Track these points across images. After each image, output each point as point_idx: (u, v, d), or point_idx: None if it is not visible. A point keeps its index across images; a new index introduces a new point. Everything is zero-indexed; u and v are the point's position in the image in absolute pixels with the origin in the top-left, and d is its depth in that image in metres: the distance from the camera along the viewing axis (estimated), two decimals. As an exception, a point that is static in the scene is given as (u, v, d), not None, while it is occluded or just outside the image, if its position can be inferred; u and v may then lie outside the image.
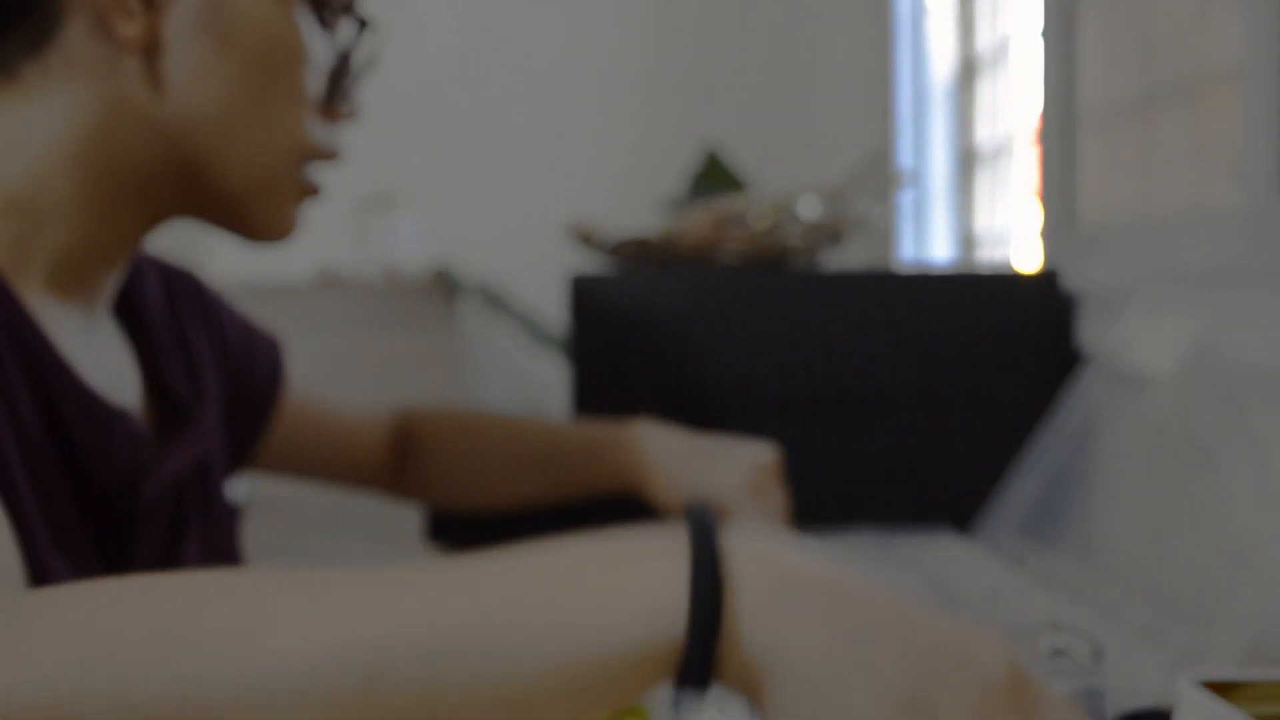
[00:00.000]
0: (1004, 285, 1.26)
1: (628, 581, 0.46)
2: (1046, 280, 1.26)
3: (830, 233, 1.32)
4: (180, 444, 0.79)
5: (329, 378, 1.07)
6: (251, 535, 0.97)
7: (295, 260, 1.92)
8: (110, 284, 0.76)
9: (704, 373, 1.23)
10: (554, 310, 2.06)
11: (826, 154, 2.71)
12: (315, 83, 0.77)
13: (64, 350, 0.70)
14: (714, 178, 1.88)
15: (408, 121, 2.75)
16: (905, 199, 2.42)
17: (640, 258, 1.30)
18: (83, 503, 0.70)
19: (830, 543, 1.09)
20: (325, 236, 1.83)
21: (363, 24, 0.79)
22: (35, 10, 0.68)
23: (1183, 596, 0.78)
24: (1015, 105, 2.06)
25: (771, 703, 0.45)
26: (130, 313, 0.82)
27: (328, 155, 0.79)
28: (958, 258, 2.34)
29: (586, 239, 1.31)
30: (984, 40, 2.24)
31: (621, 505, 1.10)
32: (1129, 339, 1.02)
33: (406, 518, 1.48)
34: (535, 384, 2.56)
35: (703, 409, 1.22)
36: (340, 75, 0.79)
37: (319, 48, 0.77)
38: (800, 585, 0.47)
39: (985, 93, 2.25)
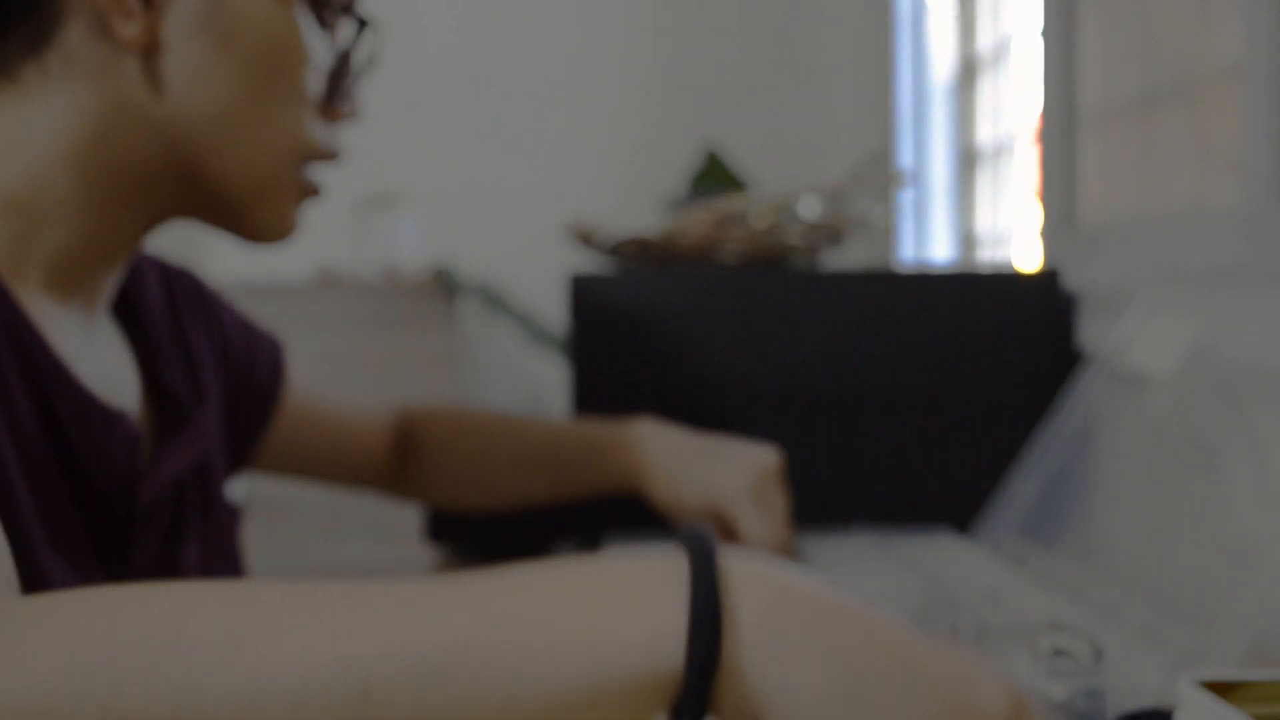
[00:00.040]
0: (1004, 285, 1.26)
1: (626, 608, 0.45)
2: (1047, 280, 1.26)
3: (830, 233, 1.32)
4: (179, 444, 0.79)
5: (329, 378, 1.07)
6: (251, 535, 0.97)
7: (295, 260, 1.92)
8: (109, 284, 0.76)
9: (704, 373, 1.23)
10: (554, 310, 2.06)
11: (826, 154, 2.71)
12: (315, 83, 0.77)
13: (62, 351, 0.70)
14: (714, 178, 1.88)
15: (408, 121, 2.75)
16: (905, 199, 2.42)
17: (640, 257, 1.30)
18: (81, 504, 0.70)
19: (831, 543, 1.09)
20: (325, 236, 1.83)
21: (362, 24, 0.79)
22: (35, 11, 0.68)
23: (1183, 596, 0.78)
24: (1015, 105, 2.06)
25: None
26: (130, 313, 0.82)
27: (328, 155, 0.79)
28: (958, 258, 2.34)
29: (586, 239, 1.31)
30: (984, 40, 2.24)
31: (622, 505, 1.10)
32: (1129, 339, 1.02)
33: (406, 518, 1.48)
34: (535, 384, 2.56)
35: (702, 409, 1.22)
36: (340, 75, 0.79)
37: (319, 48, 0.77)
38: (801, 618, 0.46)
39: (985, 92, 2.25)
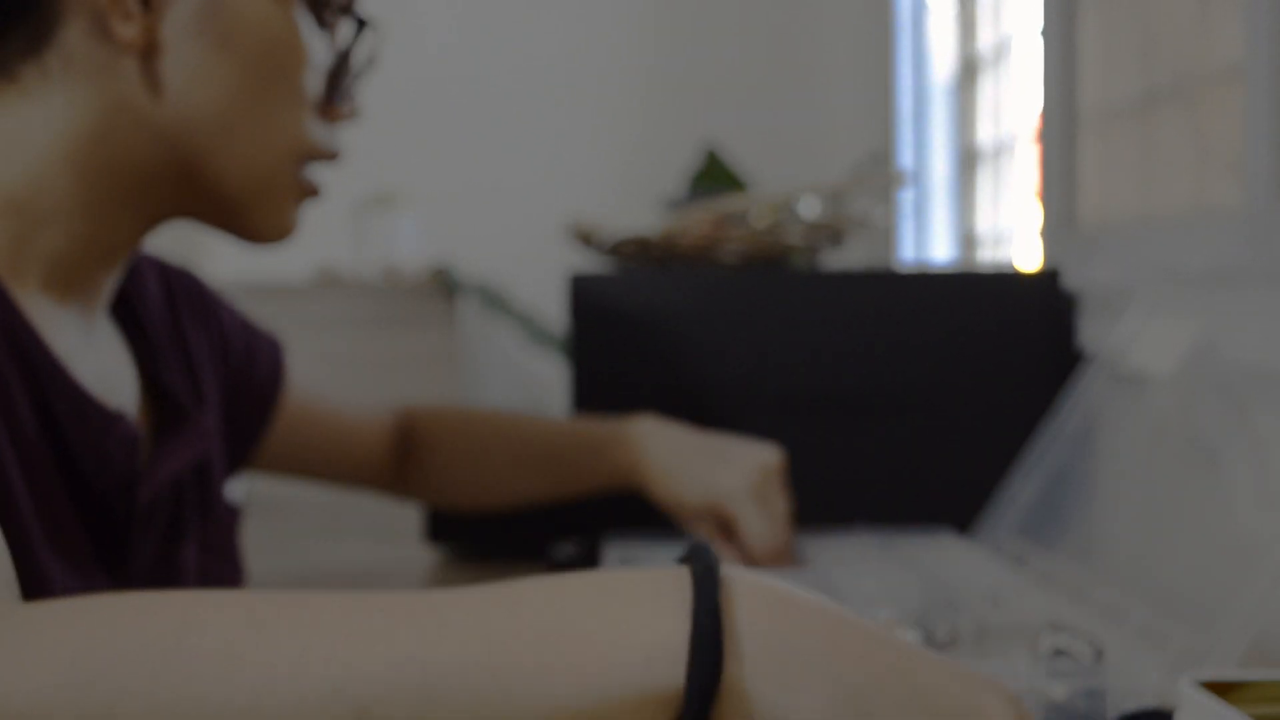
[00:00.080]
0: (1004, 285, 1.26)
1: (626, 627, 0.45)
2: (1047, 280, 1.26)
3: (830, 233, 1.32)
4: (178, 445, 0.79)
5: (329, 378, 1.07)
6: (251, 535, 0.97)
7: (295, 260, 1.92)
8: (108, 285, 0.76)
9: (704, 372, 1.23)
10: (553, 310, 2.06)
11: (826, 154, 2.71)
12: (315, 83, 0.77)
13: (60, 352, 0.70)
14: (714, 177, 1.87)
15: (408, 121, 2.75)
16: (905, 199, 2.42)
17: (640, 257, 1.30)
18: (80, 505, 0.70)
19: (831, 543, 1.09)
20: (325, 236, 1.83)
21: (362, 24, 0.79)
22: (34, 12, 0.68)
23: (1183, 597, 0.78)
24: (1015, 105, 2.06)
25: None
26: (129, 313, 0.81)
27: (327, 155, 0.79)
28: (958, 257, 2.34)
29: (586, 238, 1.31)
30: (984, 40, 2.24)
31: (622, 504, 1.10)
32: (1129, 339, 1.02)
33: (406, 518, 1.48)
34: (535, 383, 2.56)
35: (702, 409, 1.22)
36: (340, 75, 0.79)
37: (318, 48, 0.77)
38: (803, 637, 0.46)
39: (985, 92, 2.25)
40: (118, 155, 0.71)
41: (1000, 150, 2.15)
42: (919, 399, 1.23)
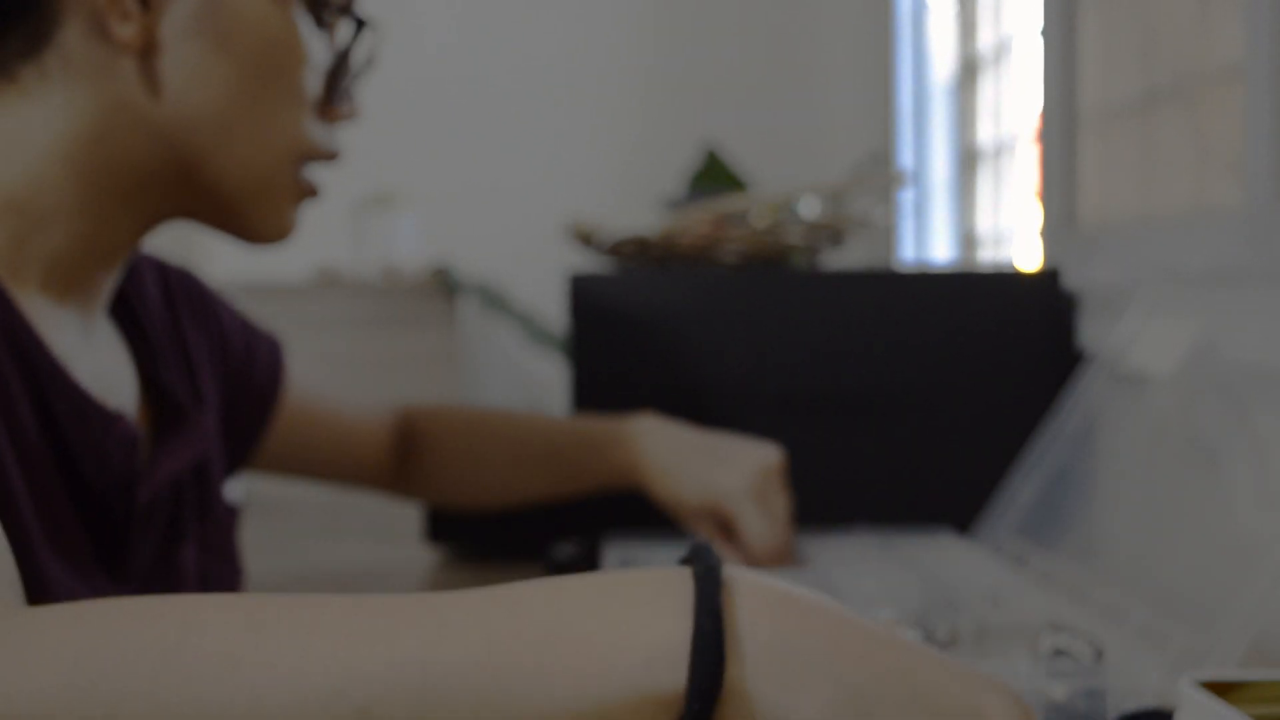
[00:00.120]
0: (1005, 285, 1.26)
1: (628, 628, 0.45)
2: (1047, 280, 1.26)
3: (830, 233, 1.32)
4: (178, 445, 0.79)
5: (329, 378, 1.07)
6: (251, 535, 0.97)
7: (294, 260, 1.92)
8: (107, 285, 0.76)
9: (704, 372, 1.23)
10: (553, 310, 2.06)
11: (826, 154, 2.71)
12: (314, 83, 0.77)
13: (59, 352, 0.70)
14: (714, 177, 1.87)
15: (407, 121, 2.75)
16: (905, 199, 2.42)
17: (640, 257, 1.30)
18: (79, 505, 0.70)
19: (831, 543, 1.09)
20: (324, 236, 1.83)
21: (361, 24, 0.79)
22: (32, 12, 0.68)
23: (1183, 597, 0.78)
24: (1015, 105, 2.06)
25: None
26: (127, 313, 0.81)
27: (327, 155, 0.79)
28: (958, 257, 2.34)
29: (586, 238, 1.31)
30: (984, 40, 2.24)
31: (622, 504, 1.10)
32: (1129, 339, 1.02)
33: (406, 518, 1.48)
34: (535, 383, 2.56)
35: (702, 409, 1.22)
36: (338, 75, 0.79)
37: (317, 48, 0.77)
38: (805, 636, 0.46)
39: (986, 92, 2.25)
40: (116, 155, 0.71)
41: (1000, 150, 2.15)
42: (919, 399, 1.23)
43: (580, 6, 2.92)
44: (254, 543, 1.02)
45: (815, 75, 2.87)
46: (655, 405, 1.14)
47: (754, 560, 0.98)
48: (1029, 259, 1.91)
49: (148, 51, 0.70)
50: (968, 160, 2.31)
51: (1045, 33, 1.69)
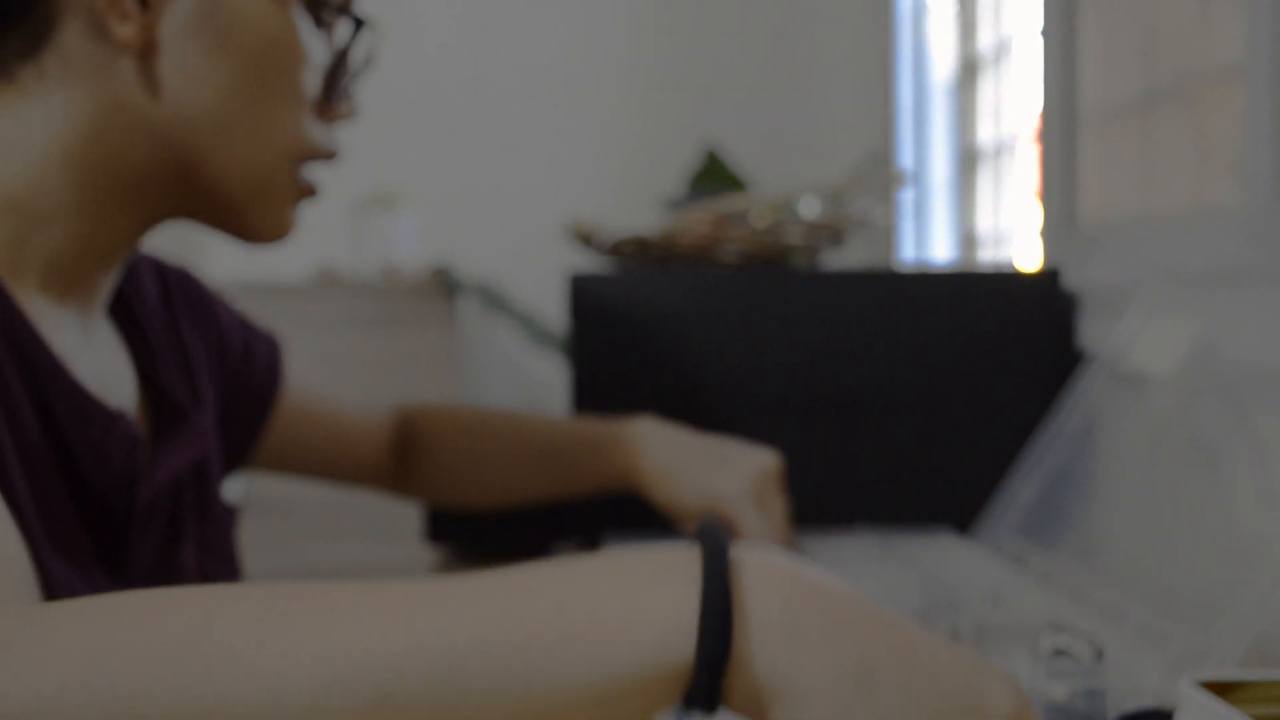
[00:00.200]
0: (1005, 285, 1.26)
1: (639, 603, 0.46)
2: (1047, 280, 1.26)
3: (830, 233, 1.31)
4: (177, 445, 0.79)
5: (328, 377, 1.06)
6: (250, 535, 0.97)
7: (294, 260, 1.92)
8: (106, 285, 0.76)
9: (704, 372, 1.23)
10: (553, 310, 2.06)
11: (826, 154, 2.71)
12: (313, 83, 0.76)
13: (59, 352, 0.70)
14: (714, 177, 1.87)
15: (406, 121, 2.75)
16: (905, 199, 2.42)
17: (640, 257, 1.30)
18: (80, 505, 0.70)
19: (831, 543, 1.09)
20: (324, 236, 1.83)
21: (359, 23, 0.79)
22: (31, 12, 0.68)
23: (1183, 597, 0.78)
24: (1015, 105, 2.06)
25: None
26: (126, 313, 0.81)
27: (326, 155, 0.79)
28: (958, 257, 2.33)
29: (586, 238, 1.31)
30: (984, 40, 2.24)
31: (622, 504, 1.10)
32: (1129, 339, 1.02)
33: (406, 518, 1.48)
34: (535, 383, 2.56)
35: (702, 409, 1.22)
36: (337, 75, 0.79)
37: (316, 47, 0.77)
38: (811, 611, 0.47)
39: (985, 93, 2.25)
40: (115, 155, 0.71)
41: (1000, 150, 2.15)
42: (919, 399, 1.23)
43: (580, 6, 2.92)
44: (253, 543, 1.02)
45: (815, 75, 2.87)
46: (655, 405, 1.14)
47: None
48: (1029, 259, 1.91)
49: (147, 51, 0.70)
50: (968, 160, 2.31)
51: (1045, 33, 1.69)
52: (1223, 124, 1.28)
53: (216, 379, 0.90)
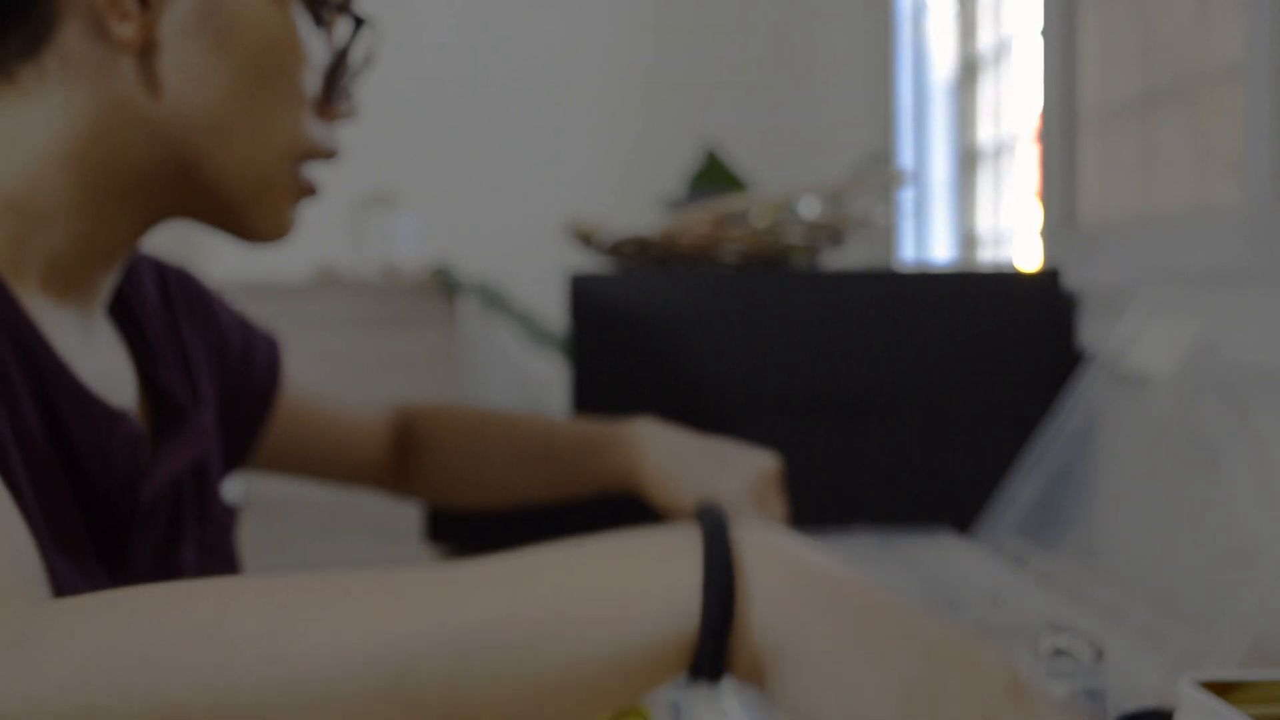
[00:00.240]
0: (1005, 285, 1.26)
1: (643, 578, 0.48)
2: (1047, 280, 1.26)
3: (830, 232, 1.31)
4: (178, 444, 0.78)
5: (328, 377, 1.06)
6: (249, 535, 0.97)
7: (294, 259, 1.92)
8: (106, 285, 0.76)
9: (704, 372, 1.23)
10: (553, 309, 2.06)
11: (826, 154, 2.71)
12: (312, 82, 0.76)
13: (61, 351, 0.70)
14: (714, 177, 1.87)
15: (406, 121, 2.75)
16: (905, 199, 2.42)
17: (640, 257, 1.30)
18: (83, 503, 0.70)
19: (831, 543, 1.09)
20: (324, 236, 1.83)
21: (359, 22, 0.79)
22: (31, 12, 0.68)
23: (1183, 597, 0.78)
24: (1015, 105, 2.06)
25: (779, 686, 0.47)
26: (126, 313, 0.81)
27: (326, 154, 0.78)
28: (958, 257, 2.33)
29: (586, 238, 1.31)
30: (984, 40, 2.24)
31: (622, 505, 1.10)
32: (1129, 339, 1.02)
33: (406, 517, 1.48)
34: (535, 383, 2.55)
35: (702, 409, 1.22)
36: (337, 74, 0.78)
37: (316, 47, 0.77)
38: (810, 579, 0.49)
39: (985, 93, 2.25)
40: (115, 155, 0.71)
41: (1000, 150, 2.15)
42: (919, 399, 1.23)
43: (580, 6, 2.92)
44: (253, 543, 1.02)
45: (815, 75, 2.87)
46: (655, 405, 1.14)
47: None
48: (1029, 259, 1.91)
49: (147, 51, 0.70)
50: (968, 160, 2.31)
51: (1045, 33, 1.69)
52: (1223, 124, 1.28)
53: (216, 379, 0.90)
